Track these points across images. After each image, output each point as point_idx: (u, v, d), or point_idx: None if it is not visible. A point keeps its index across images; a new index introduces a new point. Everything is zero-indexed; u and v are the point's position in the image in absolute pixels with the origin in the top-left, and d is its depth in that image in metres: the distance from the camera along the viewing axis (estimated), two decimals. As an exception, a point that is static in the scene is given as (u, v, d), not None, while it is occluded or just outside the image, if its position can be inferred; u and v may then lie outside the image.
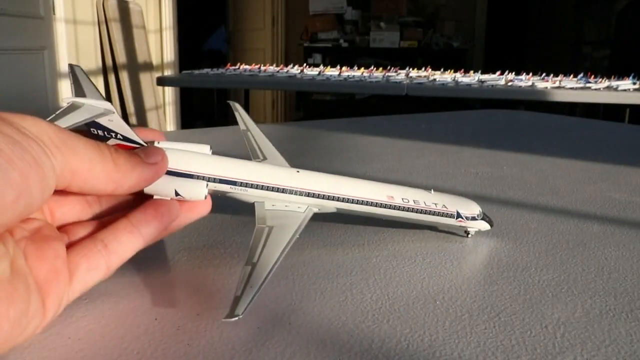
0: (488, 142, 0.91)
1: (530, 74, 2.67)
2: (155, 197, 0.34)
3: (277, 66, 2.98)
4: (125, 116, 3.57)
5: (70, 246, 0.30)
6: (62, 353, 0.28)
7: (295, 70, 2.84)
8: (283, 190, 0.37)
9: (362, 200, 0.39)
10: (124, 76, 3.69)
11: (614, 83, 2.44)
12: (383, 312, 0.32)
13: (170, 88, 4.45)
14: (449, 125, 1.19)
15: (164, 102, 4.43)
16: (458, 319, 0.32)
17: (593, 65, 4.18)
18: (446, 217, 0.41)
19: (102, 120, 0.33)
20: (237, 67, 2.99)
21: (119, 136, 0.33)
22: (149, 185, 0.33)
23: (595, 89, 2.41)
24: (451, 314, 0.32)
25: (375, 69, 2.91)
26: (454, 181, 0.64)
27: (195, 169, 0.35)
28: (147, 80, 3.97)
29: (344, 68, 2.90)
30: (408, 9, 5.16)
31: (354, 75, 2.74)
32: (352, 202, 0.39)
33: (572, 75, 2.63)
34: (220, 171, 0.36)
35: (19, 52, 2.86)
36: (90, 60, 3.51)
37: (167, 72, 4.41)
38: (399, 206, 0.39)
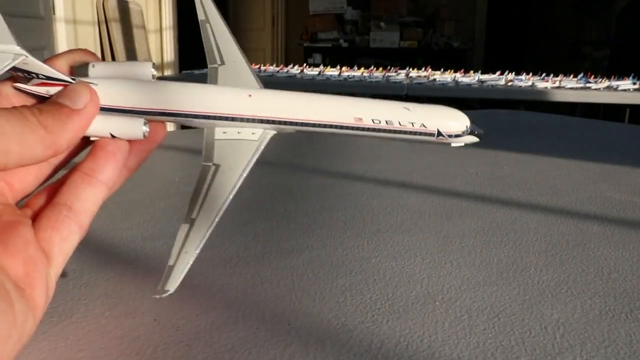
0: (488, 142, 0.91)
1: (530, 74, 2.67)
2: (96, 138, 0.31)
3: (277, 66, 2.98)
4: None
5: (35, 219, 0.28)
6: (62, 353, 0.28)
7: (295, 70, 2.84)
8: (233, 119, 0.33)
9: (326, 124, 0.34)
10: (124, 76, 3.68)
11: (614, 83, 2.44)
12: (382, 313, 0.32)
13: (170, 88, 4.44)
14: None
15: (164, 102, 4.42)
16: (457, 320, 0.32)
17: (593, 65, 4.18)
18: (424, 136, 0.35)
19: (19, 64, 0.29)
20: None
21: (40, 76, 0.30)
22: (84, 133, 0.30)
23: (595, 89, 2.41)
24: (450, 314, 0.32)
25: (375, 69, 2.91)
26: (454, 181, 0.64)
27: (128, 103, 0.31)
28: (147, 80, 3.97)
29: (344, 68, 2.90)
30: (408, 9, 5.16)
31: (354, 75, 2.74)
32: (315, 126, 0.34)
33: (572, 75, 2.63)
34: (158, 103, 0.32)
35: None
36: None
37: (167, 72, 4.41)
38: (369, 128, 0.34)
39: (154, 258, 0.40)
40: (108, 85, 0.31)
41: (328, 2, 5.19)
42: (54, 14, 3.15)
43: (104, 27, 3.58)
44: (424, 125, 0.35)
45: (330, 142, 0.88)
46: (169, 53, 4.48)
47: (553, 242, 0.45)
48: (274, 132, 0.33)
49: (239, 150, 0.32)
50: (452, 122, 0.35)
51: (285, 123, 0.33)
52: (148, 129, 0.31)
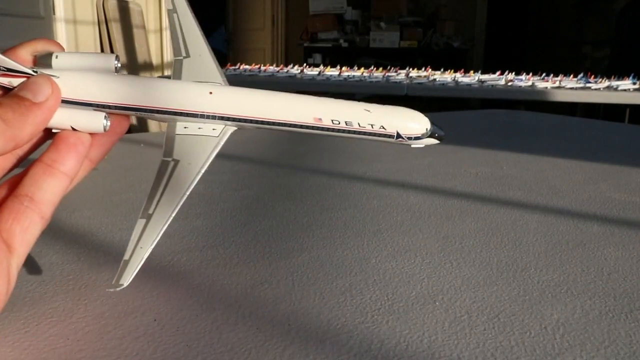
0: (488, 142, 0.91)
1: (530, 74, 2.67)
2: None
3: (277, 66, 2.98)
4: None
5: None
6: (62, 354, 0.28)
7: (295, 70, 2.85)
8: (193, 115, 0.33)
9: (285, 123, 0.34)
10: (124, 76, 3.68)
11: (614, 83, 2.44)
12: (382, 313, 0.32)
13: (170, 88, 4.44)
14: (449, 125, 1.18)
15: (164, 102, 4.42)
16: (457, 320, 0.32)
17: (593, 65, 4.18)
18: (384, 137, 0.35)
19: None
20: (237, 67, 2.99)
21: (1, 68, 0.30)
22: (45, 125, 0.30)
23: (595, 89, 2.41)
24: (450, 314, 0.32)
25: (375, 69, 2.91)
26: (454, 181, 0.64)
27: (89, 97, 0.31)
28: (147, 80, 3.97)
29: (344, 68, 2.90)
30: (408, 9, 5.16)
31: (354, 75, 2.74)
32: (274, 125, 0.34)
33: (572, 75, 2.63)
34: (119, 97, 0.31)
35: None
36: (90, 60, 3.50)
37: (167, 72, 4.41)
38: (328, 128, 0.34)
39: (154, 258, 0.40)
40: (70, 77, 0.31)
41: (328, 2, 5.19)
42: (54, 14, 3.15)
43: (104, 27, 3.58)
44: (383, 127, 0.35)
45: (330, 142, 0.88)
46: (169, 53, 4.48)
47: (553, 242, 0.45)
48: (235, 128, 0.34)
49: (198, 146, 0.32)
50: (411, 124, 0.35)
51: (244, 121, 0.33)
52: (109, 123, 0.31)
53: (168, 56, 4.47)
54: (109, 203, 0.32)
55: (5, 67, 0.30)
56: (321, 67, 2.97)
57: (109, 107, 0.31)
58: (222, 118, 0.33)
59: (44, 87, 0.29)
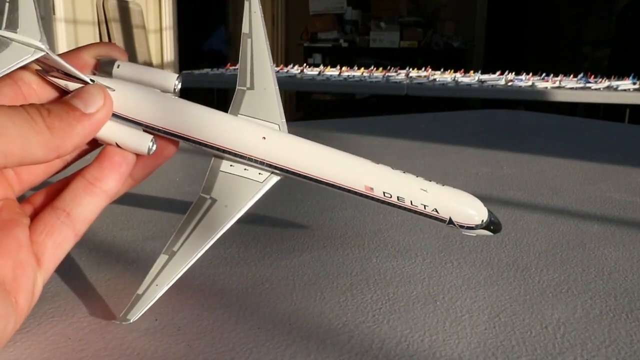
0: (488, 142, 0.91)
1: (530, 74, 2.67)
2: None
3: (277, 66, 2.98)
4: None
5: (32, 219, 0.28)
6: (63, 353, 0.28)
7: (295, 70, 2.85)
8: (241, 157, 0.31)
9: (335, 184, 0.32)
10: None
11: (614, 83, 2.44)
12: (383, 313, 0.32)
13: (170, 88, 4.44)
14: (449, 125, 1.19)
15: (164, 102, 4.42)
16: (458, 320, 0.32)
17: (593, 65, 4.18)
18: (435, 219, 0.33)
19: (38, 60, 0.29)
20: (237, 67, 3.00)
21: (59, 71, 0.29)
22: (92, 137, 0.29)
23: (595, 89, 2.41)
24: (451, 314, 0.32)
25: (375, 69, 2.91)
26: (454, 181, 0.64)
27: (139, 116, 0.30)
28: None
29: (344, 68, 2.90)
30: (408, 9, 5.16)
31: (354, 75, 2.74)
32: (323, 183, 0.32)
33: (572, 75, 2.63)
34: (169, 122, 0.30)
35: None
36: (90, 60, 3.51)
37: (167, 72, 4.41)
38: (378, 199, 0.32)
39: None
40: (125, 91, 0.30)
41: (328, 2, 5.19)
42: (54, 14, 3.15)
43: (104, 27, 3.58)
44: (436, 211, 0.33)
45: (331, 142, 0.88)
46: (169, 53, 4.48)
47: (553, 242, 0.45)
48: (281, 177, 0.32)
49: (240, 189, 0.31)
50: (468, 212, 0.33)
51: (293, 174, 0.32)
52: (155, 147, 0.30)
53: (168, 56, 4.47)
54: (109, 202, 0.31)
55: (63, 72, 0.29)
56: (321, 67, 2.97)
57: (158, 130, 0.30)
58: (270, 166, 0.31)
59: (97, 98, 0.29)
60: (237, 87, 0.34)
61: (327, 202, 0.54)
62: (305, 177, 0.32)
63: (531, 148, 0.86)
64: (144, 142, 0.30)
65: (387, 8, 5.10)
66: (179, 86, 0.31)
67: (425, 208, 0.33)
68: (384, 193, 0.32)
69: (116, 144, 0.30)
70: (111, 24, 3.58)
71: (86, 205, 0.29)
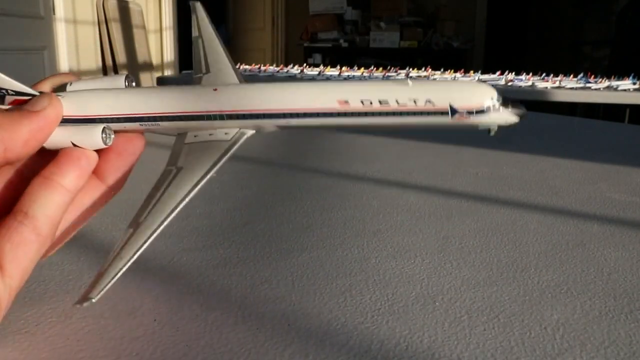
0: (488, 142, 0.91)
1: (530, 74, 2.67)
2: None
3: (277, 66, 2.98)
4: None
5: None
6: (62, 354, 0.28)
7: (295, 70, 2.85)
8: (200, 117, 0.29)
9: (305, 113, 0.28)
10: (124, 76, 3.69)
11: (614, 83, 2.44)
12: (382, 313, 0.32)
13: (170, 88, 4.44)
14: (449, 125, 1.18)
15: (164, 102, 4.42)
16: (457, 320, 0.32)
17: (593, 65, 4.18)
18: (435, 116, 0.27)
19: None
20: (237, 67, 3.00)
21: (10, 92, 0.30)
22: (45, 138, 0.29)
23: (595, 89, 2.40)
24: (450, 315, 0.32)
25: (375, 69, 2.91)
26: (454, 181, 0.64)
27: (91, 111, 0.30)
28: (147, 80, 3.97)
29: (344, 68, 2.90)
30: (408, 9, 5.16)
31: (354, 75, 2.74)
32: (292, 117, 0.29)
33: (572, 75, 2.63)
34: (121, 108, 0.30)
35: (19, 52, 2.86)
36: (90, 60, 3.51)
37: (167, 72, 4.41)
38: (358, 112, 0.28)
39: (154, 259, 0.40)
40: (74, 96, 0.30)
41: (328, 2, 5.19)
42: (54, 14, 3.15)
43: (104, 27, 3.58)
44: (430, 102, 0.27)
45: (330, 143, 0.88)
46: (169, 53, 4.48)
47: (553, 242, 0.45)
48: (252, 131, 0.30)
49: (206, 151, 0.29)
50: (470, 92, 0.27)
51: (255, 117, 0.29)
52: (110, 138, 0.30)
53: (168, 56, 4.47)
54: (109, 202, 0.31)
55: (13, 91, 0.30)
56: (321, 67, 2.97)
57: (111, 120, 0.30)
58: (230, 117, 0.29)
59: (43, 100, 0.29)
60: (193, 77, 0.35)
61: (327, 202, 0.54)
62: (271, 116, 0.29)
63: (531, 148, 0.86)
64: (96, 133, 0.29)
65: (387, 8, 5.09)
66: (133, 84, 0.32)
67: (416, 103, 0.27)
68: (362, 102, 0.27)
69: (72, 143, 0.29)
70: (111, 24, 3.58)
71: (44, 201, 0.27)
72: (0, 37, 2.72)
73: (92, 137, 0.29)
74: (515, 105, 0.28)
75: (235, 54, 5.55)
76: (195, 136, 0.30)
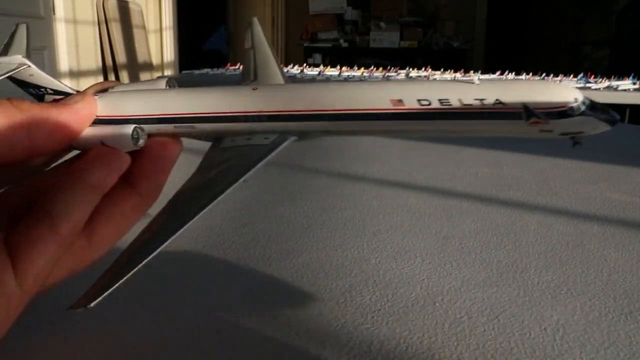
0: (488, 142, 0.91)
1: (530, 74, 2.67)
2: None
3: (277, 66, 2.98)
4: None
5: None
6: (60, 355, 0.28)
7: (295, 70, 2.85)
8: (236, 119, 0.27)
9: (352, 114, 0.25)
10: (124, 76, 3.69)
11: (614, 83, 2.44)
12: (382, 314, 0.32)
13: (170, 88, 4.45)
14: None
15: (164, 102, 4.42)
16: (457, 321, 0.32)
17: (593, 65, 4.18)
18: (506, 119, 0.23)
19: (25, 77, 0.30)
20: (237, 67, 3.00)
21: (49, 90, 0.30)
22: (73, 133, 0.27)
23: (595, 89, 2.40)
24: (450, 315, 0.32)
25: (375, 69, 2.91)
26: (454, 181, 0.64)
27: (124, 111, 0.28)
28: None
29: (344, 68, 2.90)
30: (408, 9, 5.16)
31: (354, 75, 2.74)
32: (338, 119, 0.26)
33: (572, 75, 2.63)
34: (154, 108, 0.28)
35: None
36: (90, 60, 3.51)
37: (167, 72, 4.41)
38: (415, 113, 0.24)
39: (154, 259, 0.40)
40: (109, 97, 0.29)
41: (328, 2, 5.19)
42: (54, 14, 3.15)
43: (104, 27, 3.58)
44: (500, 102, 0.23)
45: (331, 142, 0.88)
46: (169, 53, 4.48)
47: (553, 242, 0.45)
48: (294, 137, 0.27)
49: (239, 156, 0.27)
50: (548, 94, 0.22)
51: (295, 118, 0.26)
52: (142, 139, 0.28)
53: (168, 56, 4.47)
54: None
55: (52, 90, 0.30)
56: (321, 67, 2.97)
57: (144, 120, 0.28)
58: (270, 118, 0.26)
59: (76, 96, 0.28)
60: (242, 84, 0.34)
61: (327, 203, 0.54)
62: (316, 117, 0.26)
63: (531, 148, 0.86)
64: (126, 133, 0.27)
65: (387, 8, 5.10)
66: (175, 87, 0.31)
67: (482, 102, 0.23)
68: (419, 101, 0.24)
69: (102, 142, 0.28)
70: (111, 24, 3.58)
71: (67, 199, 0.25)
72: (0, 37, 2.72)
73: (123, 138, 0.27)
74: (604, 111, 0.23)
75: (235, 54, 5.55)
76: (232, 140, 0.28)
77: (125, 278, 0.23)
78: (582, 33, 4.82)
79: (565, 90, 0.23)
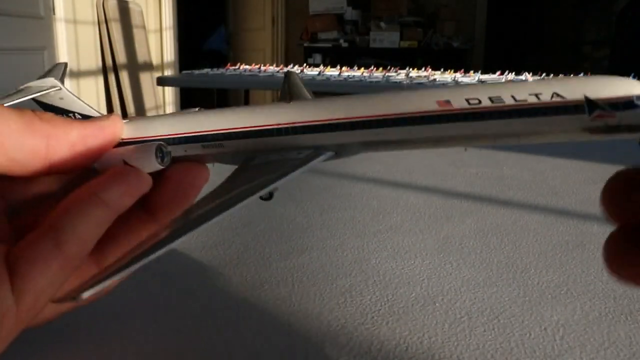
0: (488, 143, 0.91)
1: (530, 74, 2.67)
2: None
3: (277, 66, 2.98)
4: (125, 116, 3.56)
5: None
6: (62, 355, 0.28)
7: (295, 70, 2.84)
8: (268, 133, 0.25)
9: (394, 119, 0.23)
10: (124, 76, 3.69)
11: (614, 83, 2.44)
12: (382, 314, 0.32)
13: (170, 88, 4.45)
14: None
15: (164, 102, 4.43)
16: (457, 321, 0.32)
17: (593, 65, 4.18)
18: (566, 114, 0.20)
19: (54, 101, 0.29)
20: (237, 67, 3.00)
21: (77, 115, 0.29)
22: (95, 151, 0.25)
23: (596, 89, 2.40)
24: (450, 316, 0.32)
25: (375, 69, 2.91)
26: (454, 181, 0.64)
27: (150, 133, 0.27)
28: (147, 80, 3.98)
29: (344, 68, 2.90)
30: (408, 9, 5.16)
31: (354, 75, 2.74)
32: (378, 126, 0.23)
33: (572, 75, 2.63)
34: (180, 127, 0.27)
35: (19, 52, 2.86)
36: (90, 60, 3.51)
37: (167, 72, 4.41)
38: (463, 113, 0.22)
39: (154, 259, 0.40)
40: (137, 121, 0.28)
41: (328, 2, 5.19)
42: (54, 14, 3.15)
43: (104, 27, 3.58)
44: (558, 95, 0.20)
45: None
46: (169, 53, 4.48)
47: (553, 243, 0.45)
48: (330, 153, 0.25)
49: (269, 168, 0.25)
50: (610, 85, 0.21)
51: (330, 128, 0.24)
52: (167, 157, 0.26)
53: (168, 56, 4.47)
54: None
55: (81, 115, 0.30)
56: (321, 67, 2.97)
57: (170, 140, 0.26)
58: (304, 130, 0.25)
59: (103, 116, 0.27)
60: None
61: (327, 203, 0.54)
62: (352, 126, 0.24)
63: (531, 148, 0.86)
64: (150, 151, 0.25)
65: (387, 8, 5.10)
66: None
67: (539, 97, 0.21)
68: (467, 101, 0.22)
69: (123, 161, 0.26)
70: (111, 24, 3.58)
71: (77, 215, 0.23)
72: (0, 37, 2.72)
73: (146, 155, 0.25)
74: None
75: (235, 54, 5.55)
76: (261, 158, 0.26)
77: (122, 272, 0.21)
78: (582, 33, 4.82)
79: (628, 83, 0.21)
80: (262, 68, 2.85)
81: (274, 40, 5.61)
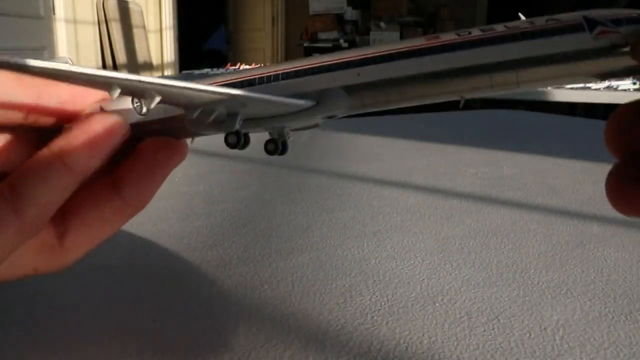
0: (488, 142, 0.91)
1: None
2: None
3: (277, 66, 2.98)
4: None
5: None
6: (62, 354, 0.28)
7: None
8: (260, 81, 0.24)
9: (378, 56, 0.22)
10: (124, 76, 3.69)
11: (614, 83, 2.44)
12: (382, 314, 0.32)
13: (170, 88, 4.45)
14: (449, 125, 1.18)
15: (164, 102, 4.43)
16: (457, 321, 0.32)
17: (593, 66, 4.17)
18: (566, 35, 0.19)
19: None
20: (237, 67, 3.00)
21: None
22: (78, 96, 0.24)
23: (595, 89, 2.41)
24: (450, 315, 0.32)
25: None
26: (454, 181, 0.64)
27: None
28: (147, 80, 3.98)
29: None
30: (408, 9, 5.16)
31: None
32: (360, 65, 0.22)
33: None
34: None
35: (19, 52, 2.86)
36: (90, 60, 3.51)
37: (167, 72, 4.41)
38: (453, 44, 0.20)
39: (154, 259, 0.40)
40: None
41: (328, 2, 5.20)
42: (54, 14, 3.15)
43: (104, 27, 3.58)
44: (553, 19, 0.20)
45: (330, 142, 0.88)
46: (169, 53, 4.48)
47: (553, 242, 0.45)
48: (311, 101, 0.23)
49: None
50: (605, 10, 0.19)
51: (330, 68, 0.23)
52: (145, 104, 0.22)
53: (168, 56, 4.47)
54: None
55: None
56: (321, 67, 2.97)
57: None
58: (298, 74, 0.23)
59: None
60: None
61: (327, 203, 0.54)
62: (330, 68, 0.23)
63: (531, 148, 0.86)
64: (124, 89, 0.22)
65: (387, 8, 5.10)
66: None
67: (533, 24, 0.20)
68: (456, 34, 0.21)
69: (100, 108, 0.24)
70: (111, 24, 3.58)
71: (38, 180, 0.21)
72: (0, 37, 2.72)
73: (122, 103, 0.23)
74: None
75: (235, 54, 5.55)
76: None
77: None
78: (582, 33, 4.82)
79: (623, 9, 0.19)
80: (262, 68, 2.85)
81: (273, 40, 5.62)
